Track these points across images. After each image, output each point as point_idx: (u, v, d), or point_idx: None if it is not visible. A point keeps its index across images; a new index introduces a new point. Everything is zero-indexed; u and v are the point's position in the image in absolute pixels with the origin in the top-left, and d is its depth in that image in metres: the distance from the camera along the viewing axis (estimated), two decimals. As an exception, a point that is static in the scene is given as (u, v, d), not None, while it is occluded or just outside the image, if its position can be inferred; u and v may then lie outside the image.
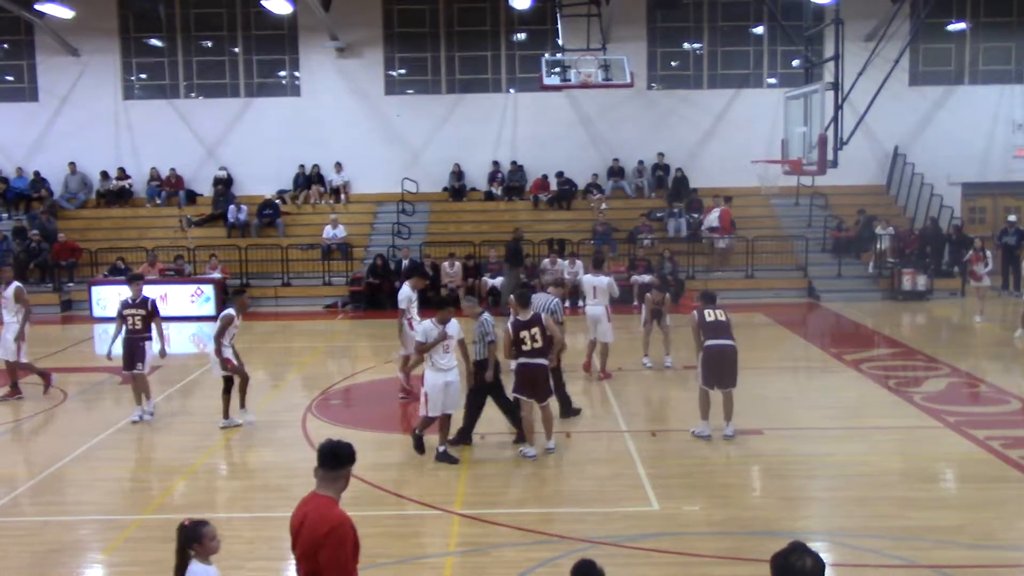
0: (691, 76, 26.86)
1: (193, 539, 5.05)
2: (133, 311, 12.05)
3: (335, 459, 4.87)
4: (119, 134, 26.76)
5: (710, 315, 10.78)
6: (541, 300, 12.01)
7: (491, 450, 10.64)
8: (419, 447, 10.35)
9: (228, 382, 11.66)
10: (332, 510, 4.76)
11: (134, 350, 11.99)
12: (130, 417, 12.10)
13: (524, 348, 10.20)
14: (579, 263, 21.62)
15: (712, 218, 24.05)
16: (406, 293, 12.79)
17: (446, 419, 10.17)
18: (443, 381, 10.00)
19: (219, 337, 11.43)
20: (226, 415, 11.65)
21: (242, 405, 11.78)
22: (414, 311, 12.73)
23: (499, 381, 10.68)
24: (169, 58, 26.93)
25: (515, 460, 10.26)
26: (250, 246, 23.73)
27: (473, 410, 10.65)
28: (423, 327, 10.13)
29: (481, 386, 10.56)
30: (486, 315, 10.66)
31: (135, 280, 12.54)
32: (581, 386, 13.69)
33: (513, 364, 10.50)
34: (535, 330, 10.21)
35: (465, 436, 10.68)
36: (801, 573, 3.72)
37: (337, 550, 4.66)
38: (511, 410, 10.68)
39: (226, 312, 11.62)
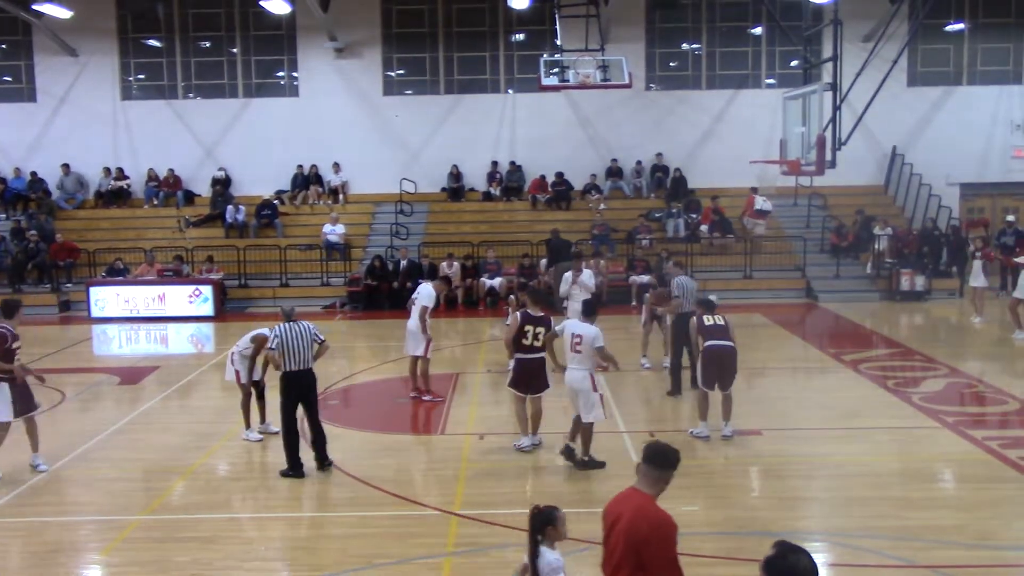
0: (690, 76, 26.86)
1: (548, 522, 5.11)
2: None
3: (662, 458, 4.88)
4: (117, 134, 26.74)
5: (709, 320, 10.90)
6: (687, 283, 13.14)
7: (491, 450, 10.64)
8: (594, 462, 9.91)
9: (256, 388, 11.30)
10: (654, 509, 4.74)
11: None
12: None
13: (525, 343, 10.34)
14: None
15: (764, 204, 24.03)
16: (429, 292, 12.73)
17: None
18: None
19: (252, 356, 11.10)
20: (262, 420, 11.38)
21: (247, 425, 11.34)
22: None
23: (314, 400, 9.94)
24: (167, 58, 26.91)
25: (515, 460, 10.26)
26: (248, 246, 23.72)
27: (294, 433, 9.85)
28: (598, 332, 9.69)
29: (295, 404, 9.83)
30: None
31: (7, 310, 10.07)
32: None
33: (511, 363, 10.54)
34: (540, 329, 10.35)
35: (298, 467, 9.83)
36: (806, 571, 3.69)
37: (663, 548, 4.65)
38: (318, 439, 9.93)
39: (260, 333, 11.07)
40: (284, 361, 9.65)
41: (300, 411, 9.93)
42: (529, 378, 10.40)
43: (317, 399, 10.05)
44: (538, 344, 10.33)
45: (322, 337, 9.97)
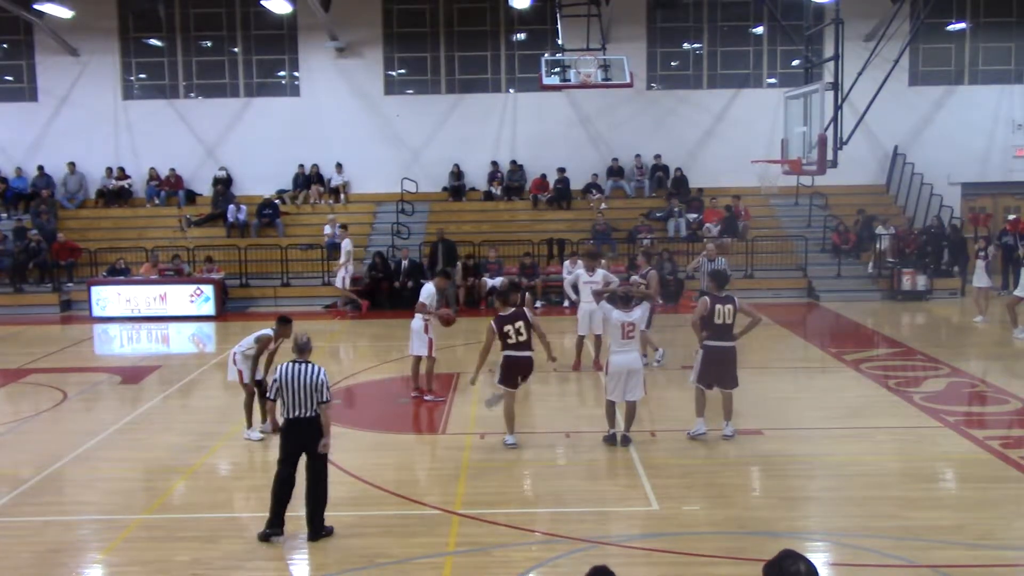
0: (691, 76, 26.85)
1: None
2: None
3: None
4: (118, 134, 26.74)
5: (719, 315, 10.56)
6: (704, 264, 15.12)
7: (491, 450, 10.64)
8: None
9: (259, 388, 11.09)
10: None
11: None
12: None
13: (510, 341, 10.46)
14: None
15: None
16: (430, 290, 12.76)
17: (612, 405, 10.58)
18: None
19: (256, 356, 10.97)
20: (263, 419, 11.11)
21: (249, 424, 11.23)
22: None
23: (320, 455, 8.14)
24: (169, 58, 26.91)
25: (515, 460, 10.26)
26: (250, 246, 23.72)
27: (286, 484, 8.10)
28: (640, 316, 10.74)
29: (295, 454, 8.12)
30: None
31: None
32: (575, 387, 13.69)
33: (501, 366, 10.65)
34: (519, 324, 10.48)
35: (278, 523, 8.10)
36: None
37: None
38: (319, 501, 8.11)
39: (264, 333, 10.98)
40: (283, 406, 8.09)
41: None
42: (517, 373, 10.59)
43: (326, 452, 8.19)
44: (523, 339, 10.46)
45: (327, 396, 8.19)
